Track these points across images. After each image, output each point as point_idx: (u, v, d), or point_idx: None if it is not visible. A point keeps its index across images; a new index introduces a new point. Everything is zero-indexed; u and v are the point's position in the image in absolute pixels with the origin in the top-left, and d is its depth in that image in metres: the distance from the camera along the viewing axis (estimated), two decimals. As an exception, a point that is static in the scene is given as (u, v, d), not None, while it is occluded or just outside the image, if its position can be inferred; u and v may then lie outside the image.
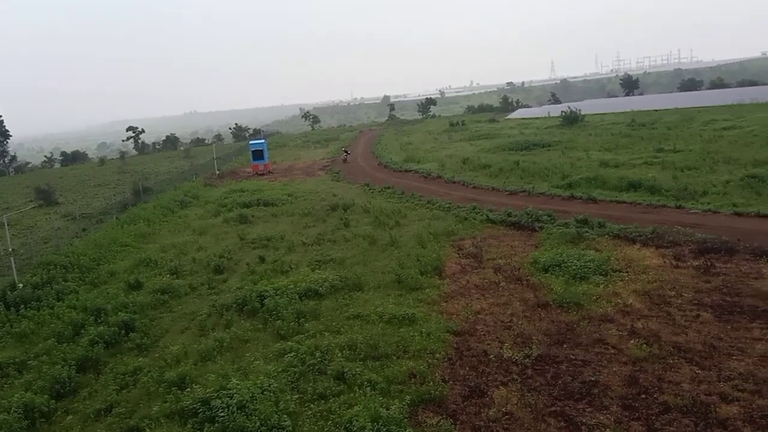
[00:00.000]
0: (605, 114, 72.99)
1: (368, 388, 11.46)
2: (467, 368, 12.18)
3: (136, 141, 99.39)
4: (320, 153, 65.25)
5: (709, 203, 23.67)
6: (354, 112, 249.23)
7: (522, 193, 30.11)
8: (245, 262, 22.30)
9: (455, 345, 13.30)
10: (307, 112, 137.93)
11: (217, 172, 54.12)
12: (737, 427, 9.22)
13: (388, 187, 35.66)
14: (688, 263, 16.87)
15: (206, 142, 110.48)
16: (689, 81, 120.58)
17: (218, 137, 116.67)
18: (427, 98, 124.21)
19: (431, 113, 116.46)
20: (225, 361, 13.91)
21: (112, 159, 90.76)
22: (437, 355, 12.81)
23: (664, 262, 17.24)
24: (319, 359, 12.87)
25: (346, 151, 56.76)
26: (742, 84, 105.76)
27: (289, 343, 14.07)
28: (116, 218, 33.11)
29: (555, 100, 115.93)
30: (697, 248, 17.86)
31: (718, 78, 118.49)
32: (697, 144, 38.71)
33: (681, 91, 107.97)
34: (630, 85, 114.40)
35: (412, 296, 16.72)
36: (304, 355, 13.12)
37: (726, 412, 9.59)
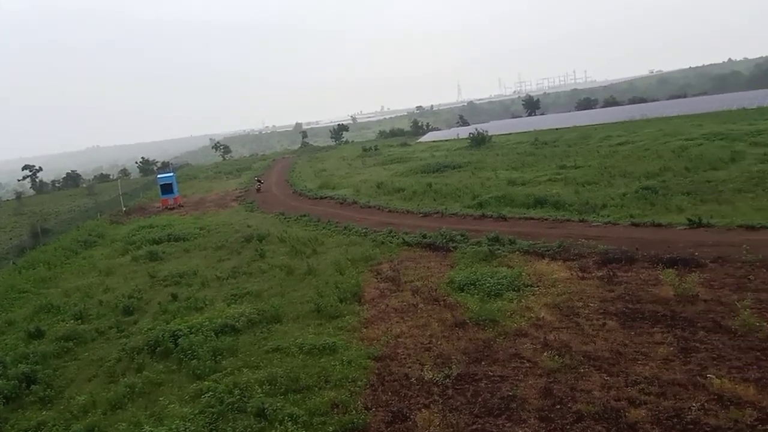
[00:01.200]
0: (510, 134, 76.13)
1: (290, 423, 11.20)
2: (389, 393, 12.17)
3: (33, 180, 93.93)
4: (233, 184, 64.06)
5: (609, 216, 25.03)
6: (266, 141, 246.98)
7: (435, 215, 30.73)
8: (157, 301, 21.40)
9: (377, 371, 13.27)
10: (218, 142, 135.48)
11: (124, 209, 51.91)
12: (646, 429, 9.68)
13: (304, 215, 35.44)
14: (593, 274, 17.71)
15: (111, 177, 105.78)
16: (585, 100, 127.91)
17: (124, 172, 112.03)
18: (339, 124, 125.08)
19: (344, 139, 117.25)
20: (137, 407, 13.21)
21: (7, 200, 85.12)
22: (359, 383, 12.73)
23: (571, 274, 18.03)
24: (237, 397, 12.47)
25: (259, 181, 56.05)
26: (632, 101, 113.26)
27: (206, 382, 13.56)
28: (13, 263, 30.98)
29: (463, 122, 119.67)
30: (600, 259, 18.81)
31: (611, 96, 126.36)
32: (595, 160, 41.00)
33: (578, 110, 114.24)
34: (532, 105, 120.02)
35: (332, 324, 16.59)
36: (222, 394, 12.68)
37: (635, 415, 10.06)
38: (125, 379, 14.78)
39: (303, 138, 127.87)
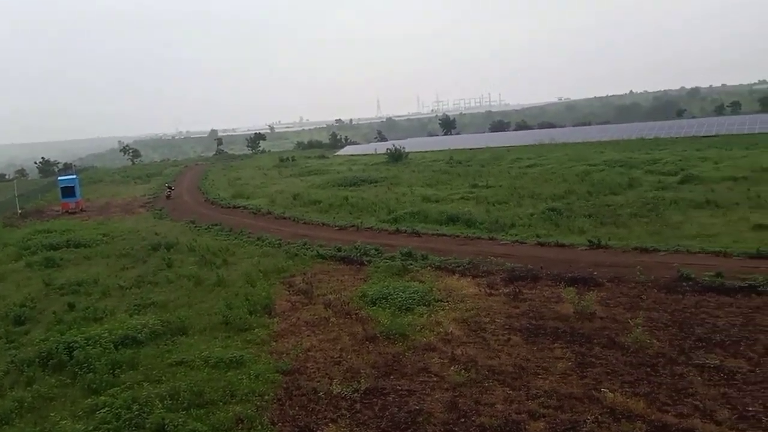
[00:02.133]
0: (426, 152, 77.71)
1: (192, 439, 10.82)
2: (297, 408, 12.01)
3: None
4: (141, 189, 61.53)
5: (516, 234, 26.00)
6: (179, 146, 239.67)
7: (351, 228, 30.81)
8: (51, 311, 20.12)
9: (285, 385, 13.07)
10: (127, 145, 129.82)
11: (20, 212, 48.64)
12: (544, 440, 10.07)
13: (216, 224, 34.54)
14: (500, 291, 18.30)
15: (7, 177, 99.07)
16: (499, 122, 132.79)
17: (21, 172, 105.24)
18: (256, 133, 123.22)
19: (261, 148, 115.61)
20: (26, 423, 12.34)
21: None
22: (266, 397, 12.49)
23: (480, 290, 18.55)
24: (136, 412, 11.89)
25: (169, 187, 54.21)
26: (542, 126, 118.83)
27: (102, 397, 12.84)
28: None
29: (381, 137, 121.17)
30: (507, 276, 19.47)
31: (523, 120, 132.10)
32: (506, 180, 42.56)
33: (492, 131, 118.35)
34: (448, 124, 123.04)
35: (241, 337, 16.20)
36: (119, 410, 12.04)
37: (534, 428, 10.44)
38: (13, 393, 13.79)
39: (218, 145, 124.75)
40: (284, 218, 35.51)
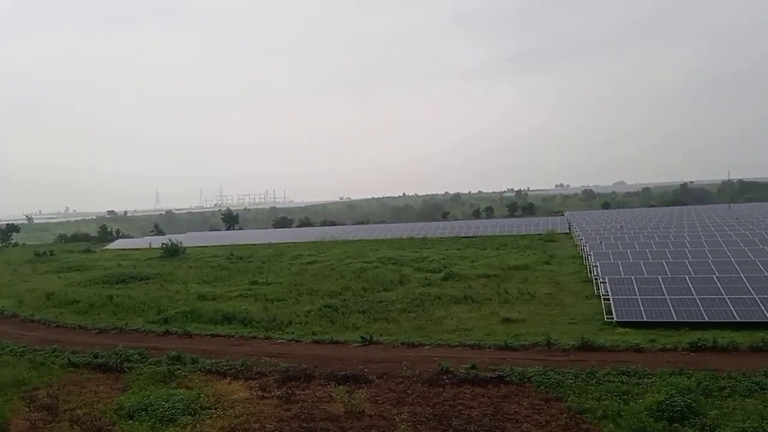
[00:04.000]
0: (207, 246, 75.40)
1: None
2: None
3: None
4: None
5: (293, 333, 25.82)
6: None
7: (113, 331, 28.12)
8: None
9: None
10: None
11: None
12: None
13: (-59, 331, 29.03)
14: (273, 393, 17.73)
15: None
16: (282, 218, 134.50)
17: None
18: (8, 224, 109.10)
19: (13, 241, 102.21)
20: None
21: None
22: None
23: (252, 394, 17.80)
24: None
25: None
26: (324, 223, 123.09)
27: None
28: None
29: (158, 231, 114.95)
30: (281, 377, 19.02)
31: (306, 217, 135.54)
32: (286, 277, 42.64)
33: (275, 227, 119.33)
34: (231, 219, 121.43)
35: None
36: None
37: None
38: None
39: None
40: (33, 321, 31.26)
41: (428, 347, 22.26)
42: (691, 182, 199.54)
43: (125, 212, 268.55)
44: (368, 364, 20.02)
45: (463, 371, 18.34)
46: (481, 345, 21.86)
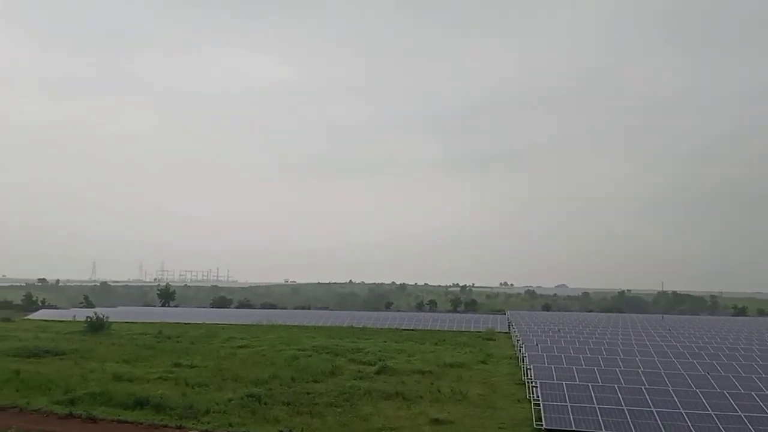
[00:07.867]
0: (136, 323, 72.02)
1: None
2: None
3: None
4: None
5: (209, 423, 24.07)
6: None
7: (13, 410, 25.72)
8: None
9: None
10: None
11: None
12: None
13: None
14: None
15: None
16: (221, 298, 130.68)
17: None
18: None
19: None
20: None
21: None
22: None
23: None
24: None
25: None
26: (264, 305, 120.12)
27: None
28: None
29: (88, 303, 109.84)
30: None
31: (246, 298, 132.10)
32: (213, 360, 40.56)
33: (212, 307, 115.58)
34: (167, 296, 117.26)
35: None
36: None
37: None
38: None
39: None
40: None
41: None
42: (629, 290, 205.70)
43: (57, 281, 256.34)
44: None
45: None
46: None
